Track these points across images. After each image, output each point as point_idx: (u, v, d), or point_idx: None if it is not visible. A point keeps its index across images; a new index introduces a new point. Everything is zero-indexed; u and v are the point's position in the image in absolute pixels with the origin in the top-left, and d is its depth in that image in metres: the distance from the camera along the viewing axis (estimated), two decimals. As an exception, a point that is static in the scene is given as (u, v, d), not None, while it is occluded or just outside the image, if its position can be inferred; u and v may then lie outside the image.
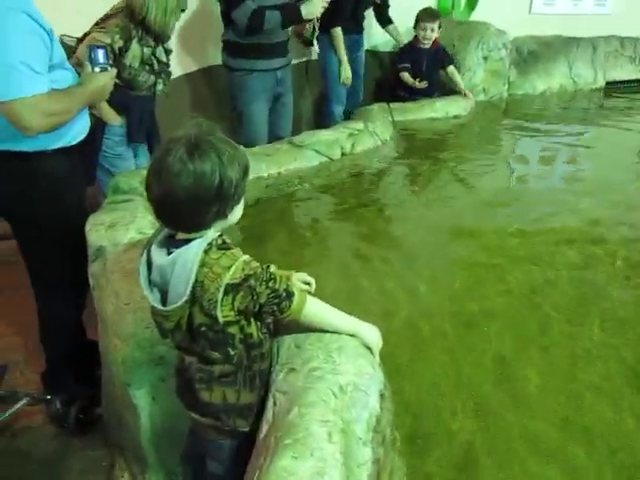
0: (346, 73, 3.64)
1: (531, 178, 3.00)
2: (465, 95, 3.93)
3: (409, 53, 3.92)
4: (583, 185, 2.85)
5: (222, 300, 1.11)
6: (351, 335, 1.28)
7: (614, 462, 1.37)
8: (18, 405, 2.21)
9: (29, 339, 2.65)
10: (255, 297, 1.15)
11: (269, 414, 1.15)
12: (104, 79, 1.95)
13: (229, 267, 1.11)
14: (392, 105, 3.62)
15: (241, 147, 1.16)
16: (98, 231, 1.86)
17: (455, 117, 3.72)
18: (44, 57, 1.70)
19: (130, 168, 2.70)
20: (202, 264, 1.11)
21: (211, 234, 1.14)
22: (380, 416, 1.15)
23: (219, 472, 1.31)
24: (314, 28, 3.52)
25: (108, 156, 2.63)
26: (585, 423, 1.46)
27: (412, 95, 3.87)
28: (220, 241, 1.15)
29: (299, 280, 1.48)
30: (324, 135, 2.91)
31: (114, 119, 2.59)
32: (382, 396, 1.21)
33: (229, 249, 1.14)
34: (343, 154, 2.95)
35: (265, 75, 3.08)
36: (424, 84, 3.82)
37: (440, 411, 1.49)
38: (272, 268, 1.22)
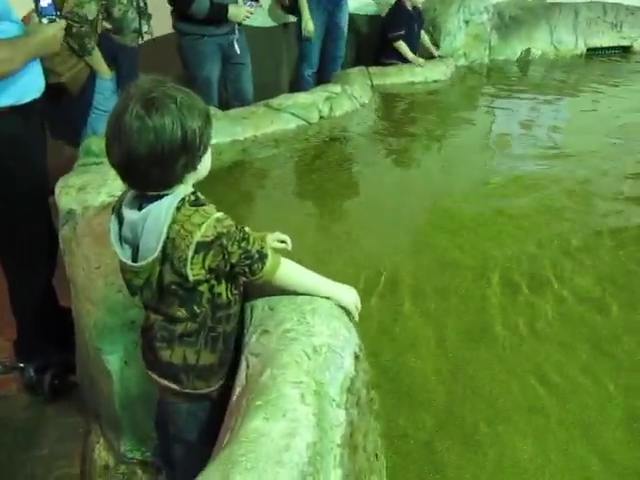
0: (307, 26, 3.53)
1: (509, 140, 2.98)
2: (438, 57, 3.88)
3: (403, 17, 3.75)
4: (554, 151, 2.85)
5: (192, 258, 1.08)
6: (327, 298, 1.26)
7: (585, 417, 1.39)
8: (-13, 375, 2.16)
9: (1, 308, 2.59)
10: (226, 257, 1.11)
11: (242, 376, 1.13)
12: (52, 30, 1.83)
13: (201, 224, 1.07)
14: (371, 69, 3.56)
15: (197, 96, 1.10)
16: (68, 194, 1.80)
17: (435, 82, 3.68)
18: None
19: None
20: (174, 220, 1.07)
21: (183, 189, 1.11)
22: (355, 378, 1.14)
23: (180, 436, 1.29)
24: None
25: (99, 113, 2.55)
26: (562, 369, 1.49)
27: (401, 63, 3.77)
28: (193, 197, 1.11)
29: (275, 239, 1.45)
30: (301, 98, 2.85)
31: (105, 71, 2.52)
32: (357, 358, 1.19)
33: (202, 205, 1.10)
34: (321, 117, 2.90)
35: (215, 39, 3.02)
36: (422, 62, 3.70)
37: (417, 372, 1.50)
38: (246, 228, 1.18)
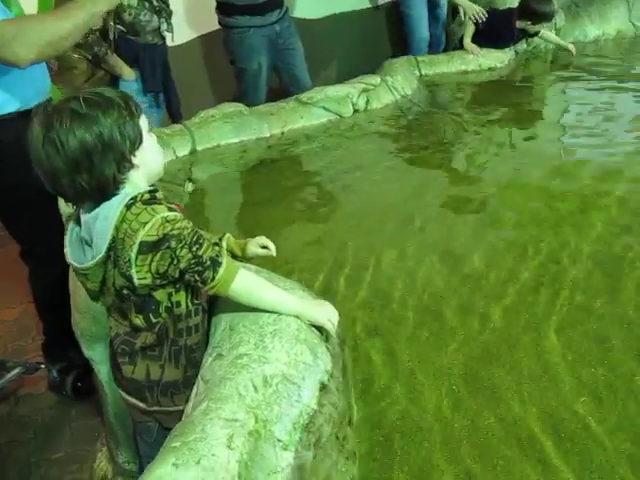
0: (472, 9, 3.44)
1: (579, 148, 2.46)
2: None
3: (497, 21, 3.45)
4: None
5: (136, 259, 1.01)
6: (296, 316, 1.13)
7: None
8: (9, 375, 2.19)
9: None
10: (175, 261, 1.03)
11: (188, 407, 1.02)
12: None
13: (146, 223, 0.99)
14: (420, 57, 3.34)
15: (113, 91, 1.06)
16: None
17: (490, 69, 3.38)
18: None
19: (155, 121, 2.63)
20: (123, 219, 1.01)
21: (132, 188, 1.05)
22: (316, 413, 0.99)
23: (151, 455, 1.20)
24: None
25: None
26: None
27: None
28: (148, 196, 1.04)
29: (258, 244, 1.34)
30: (333, 91, 2.69)
31: (127, 73, 2.53)
32: (324, 389, 1.05)
33: (154, 204, 1.02)
34: (356, 111, 2.73)
35: (263, 30, 2.97)
36: (478, 50, 3.41)
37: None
38: (203, 232, 1.09)
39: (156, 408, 1.17)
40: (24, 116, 1.82)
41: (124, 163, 1.03)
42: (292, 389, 0.99)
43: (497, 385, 1.31)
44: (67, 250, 1.11)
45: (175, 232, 1.02)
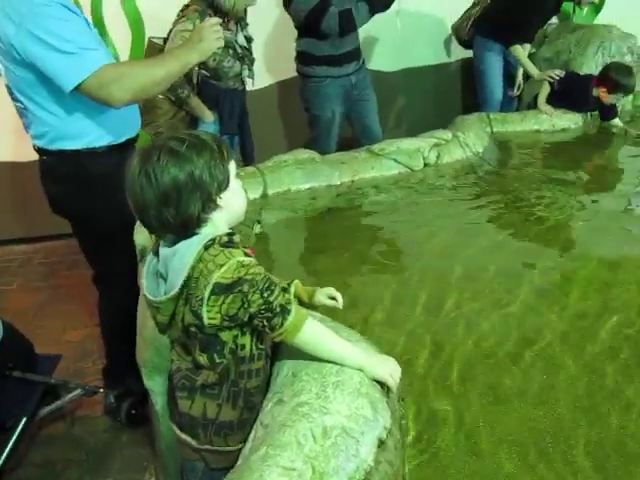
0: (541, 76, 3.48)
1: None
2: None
3: (573, 85, 3.39)
4: None
5: (209, 299, 1.04)
6: (360, 369, 1.12)
7: None
8: (70, 396, 2.26)
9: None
10: (246, 305, 1.05)
11: (246, 449, 1.02)
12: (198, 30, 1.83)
13: (222, 265, 1.04)
14: (492, 115, 3.34)
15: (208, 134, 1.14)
16: (144, 232, 1.85)
17: (563, 130, 3.34)
18: (91, 36, 1.75)
19: None
20: (200, 259, 1.05)
21: (212, 229, 1.11)
22: (372, 470, 0.98)
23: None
24: None
25: None
26: None
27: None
28: (226, 239, 1.09)
29: (326, 294, 1.36)
30: (405, 144, 2.72)
31: (207, 115, 2.66)
32: (382, 445, 1.03)
33: (231, 248, 1.07)
34: (426, 165, 2.75)
35: (338, 81, 3.07)
36: (551, 111, 3.38)
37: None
38: (275, 279, 1.12)
39: (207, 447, 1.18)
40: (114, 150, 1.95)
41: (209, 203, 1.08)
42: (350, 443, 0.98)
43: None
44: (143, 282, 1.16)
45: (249, 277, 1.05)
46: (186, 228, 1.09)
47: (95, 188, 1.92)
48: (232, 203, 1.13)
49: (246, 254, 1.08)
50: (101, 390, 2.35)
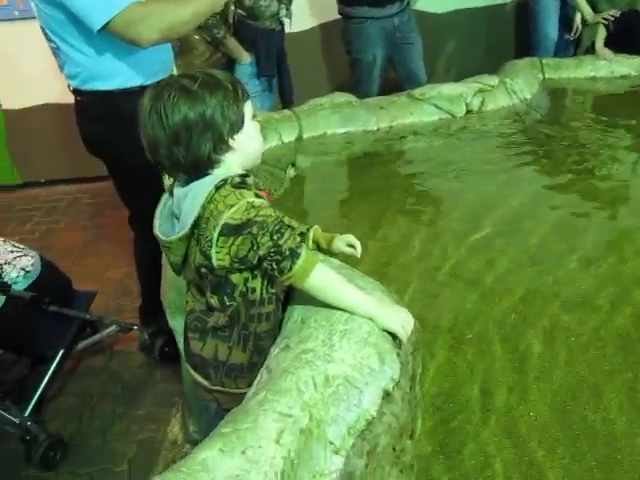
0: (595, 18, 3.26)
1: None
2: None
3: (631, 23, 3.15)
4: None
5: (218, 240, 1.04)
6: (370, 318, 1.10)
7: None
8: (106, 331, 2.35)
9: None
10: (255, 247, 1.04)
11: (249, 392, 1.02)
12: None
13: (232, 205, 1.02)
14: (545, 60, 3.14)
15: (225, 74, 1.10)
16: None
17: (622, 77, 3.11)
18: None
19: (267, 105, 2.70)
20: (210, 200, 1.04)
21: (224, 170, 1.09)
22: (374, 421, 0.97)
23: (207, 434, 1.24)
24: None
25: None
26: None
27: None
28: (238, 179, 1.07)
29: (345, 242, 1.32)
30: (447, 89, 2.60)
31: (244, 57, 2.61)
32: (387, 397, 1.01)
33: (243, 189, 1.05)
34: (469, 111, 2.63)
35: (380, 22, 2.95)
36: (611, 55, 3.12)
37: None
38: (287, 220, 1.09)
39: (219, 388, 1.20)
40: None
41: (221, 144, 1.06)
42: (353, 392, 0.96)
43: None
44: (156, 222, 1.16)
45: (259, 219, 1.03)
46: (197, 168, 1.07)
47: (127, 128, 1.88)
48: (246, 145, 1.11)
49: (258, 195, 1.06)
50: (135, 327, 2.43)
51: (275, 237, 1.04)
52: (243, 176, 1.09)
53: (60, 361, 2.10)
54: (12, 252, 2.06)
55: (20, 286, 1.99)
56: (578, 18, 3.55)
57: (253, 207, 1.03)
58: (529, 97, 2.79)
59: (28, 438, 1.92)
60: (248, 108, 1.11)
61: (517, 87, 2.75)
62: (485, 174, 2.22)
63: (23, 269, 2.02)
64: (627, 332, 1.40)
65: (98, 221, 3.83)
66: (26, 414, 1.95)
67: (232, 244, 1.04)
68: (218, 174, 1.08)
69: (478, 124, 2.60)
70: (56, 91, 3.77)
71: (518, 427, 1.20)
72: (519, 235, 1.82)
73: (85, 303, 2.30)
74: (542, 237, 1.79)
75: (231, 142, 1.08)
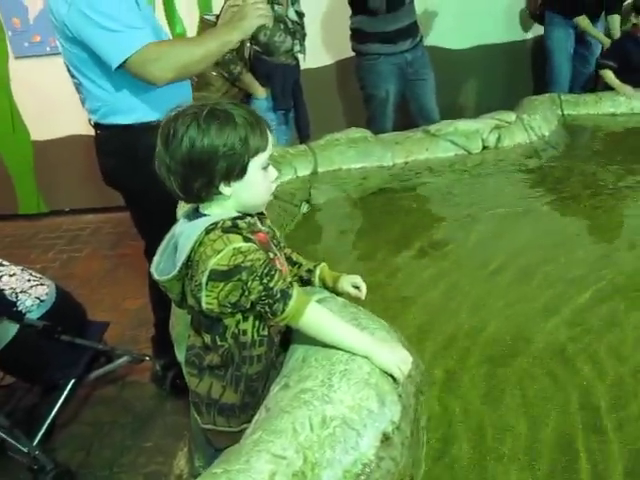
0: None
1: None
2: None
3: (620, 47, 3.30)
4: None
5: (207, 285, 1.04)
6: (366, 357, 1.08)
7: None
8: (118, 362, 2.36)
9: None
10: (247, 293, 1.04)
11: (247, 432, 1.01)
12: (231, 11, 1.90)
13: (219, 251, 1.02)
14: (564, 96, 3.14)
15: (243, 119, 1.05)
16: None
17: (643, 114, 3.09)
18: (138, 15, 1.78)
19: (283, 139, 2.74)
20: (200, 243, 1.04)
21: (219, 212, 1.09)
22: (372, 465, 0.95)
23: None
24: None
25: None
26: None
27: None
28: (229, 223, 1.06)
29: (350, 282, 1.31)
30: (463, 125, 2.61)
31: (260, 92, 2.66)
32: (386, 440, 0.99)
33: (232, 233, 1.04)
34: (485, 147, 2.63)
35: (392, 59, 3.01)
36: (631, 92, 3.12)
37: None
38: (276, 263, 1.09)
39: (210, 427, 1.19)
40: None
41: (211, 188, 1.05)
42: (350, 435, 0.95)
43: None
44: (156, 259, 1.15)
45: (247, 263, 1.02)
46: (189, 198, 1.09)
47: (142, 162, 1.93)
48: (241, 195, 1.08)
49: (247, 239, 1.05)
50: (147, 358, 2.44)
51: (265, 280, 1.03)
52: (235, 219, 1.08)
53: (71, 390, 2.12)
54: (29, 281, 2.10)
55: (34, 315, 2.02)
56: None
57: (240, 252, 1.02)
58: (547, 133, 2.78)
59: (35, 467, 1.92)
60: (260, 158, 1.07)
61: (535, 123, 2.75)
62: (500, 212, 2.20)
63: (38, 298, 2.06)
64: None
65: (119, 250, 3.89)
66: (34, 443, 1.95)
67: (222, 290, 1.04)
68: (214, 214, 1.08)
69: (494, 160, 2.59)
70: (81, 124, 3.87)
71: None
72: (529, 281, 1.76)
73: (98, 333, 2.32)
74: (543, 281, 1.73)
75: (222, 188, 1.06)
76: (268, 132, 1.10)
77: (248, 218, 1.11)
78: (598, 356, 1.40)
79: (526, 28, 3.97)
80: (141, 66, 1.73)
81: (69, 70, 1.96)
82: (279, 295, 1.04)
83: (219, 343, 1.12)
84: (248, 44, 2.49)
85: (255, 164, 1.07)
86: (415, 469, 1.09)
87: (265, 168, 1.10)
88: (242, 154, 1.04)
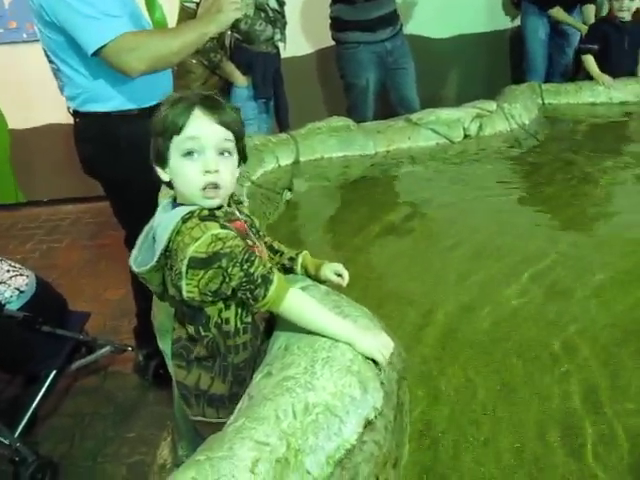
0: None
1: None
2: None
3: (599, 30, 3.32)
4: None
5: (187, 273, 1.03)
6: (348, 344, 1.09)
7: None
8: (100, 352, 2.34)
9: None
10: (227, 279, 1.03)
11: (230, 420, 1.02)
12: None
13: (197, 239, 1.02)
14: (545, 86, 3.16)
15: (167, 109, 1.08)
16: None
17: (621, 103, 3.12)
18: (117, 3, 1.75)
19: (264, 128, 2.73)
20: (178, 232, 1.04)
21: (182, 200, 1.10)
22: (355, 450, 0.96)
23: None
24: None
25: None
26: None
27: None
28: (206, 212, 1.06)
29: (332, 270, 1.32)
30: (445, 114, 2.62)
31: (240, 80, 2.64)
32: (369, 425, 1.00)
33: (209, 221, 1.04)
34: (467, 136, 2.64)
35: (372, 47, 3.00)
36: (609, 81, 3.16)
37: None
38: (255, 249, 1.10)
39: (199, 418, 1.19)
40: (145, 114, 1.94)
41: (156, 167, 1.11)
42: (333, 421, 0.95)
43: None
44: (134, 252, 1.15)
45: (226, 250, 1.02)
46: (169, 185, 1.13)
47: (122, 151, 1.93)
48: (177, 182, 1.09)
49: (223, 226, 1.04)
50: (130, 348, 2.42)
51: (245, 266, 1.03)
52: (213, 209, 1.08)
53: (52, 381, 2.10)
54: (8, 272, 2.07)
55: (14, 305, 2.00)
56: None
57: (219, 239, 1.02)
58: (527, 122, 2.80)
59: (17, 459, 1.91)
60: (175, 143, 1.06)
61: (515, 112, 2.77)
62: (481, 200, 2.22)
63: (17, 289, 2.03)
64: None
65: (99, 241, 3.85)
66: (16, 435, 1.94)
67: (202, 277, 1.03)
68: (188, 205, 1.08)
69: (475, 149, 2.61)
70: (60, 113, 3.81)
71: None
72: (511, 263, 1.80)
73: (79, 323, 2.30)
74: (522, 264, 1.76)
75: (160, 172, 1.11)
76: (198, 115, 1.06)
77: (225, 207, 1.11)
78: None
79: (507, 17, 3.99)
80: (116, 55, 1.71)
81: (47, 55, 1.93)
82: (260, 280, 1.03)
83: (203, 333, 1.12)
84: (229, 32, 2.47)
85: (174, 149, 1.07)
86: (399, 451, 1.11)
87: (187, 155, 1.06)
88: (159, 134, 1.08)
